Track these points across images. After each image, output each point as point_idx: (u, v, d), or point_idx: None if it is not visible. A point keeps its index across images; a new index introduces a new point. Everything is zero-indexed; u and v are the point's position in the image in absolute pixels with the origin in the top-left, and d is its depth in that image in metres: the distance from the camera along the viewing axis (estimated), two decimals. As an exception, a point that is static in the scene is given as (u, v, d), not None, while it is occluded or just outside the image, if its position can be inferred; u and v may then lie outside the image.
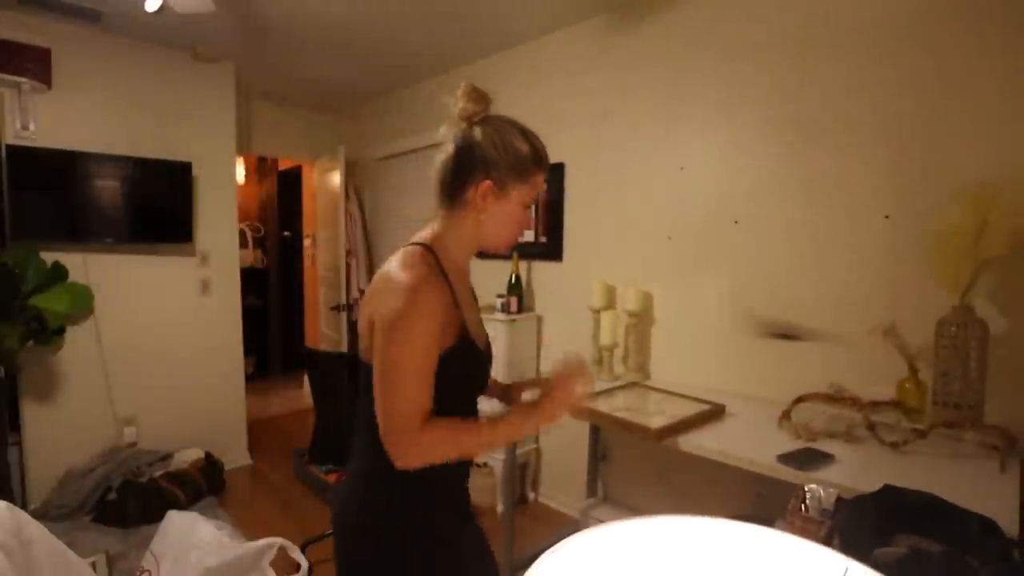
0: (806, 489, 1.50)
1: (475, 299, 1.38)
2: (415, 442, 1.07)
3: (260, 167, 6.97)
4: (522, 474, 3.49)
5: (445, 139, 1.23)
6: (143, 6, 2.66)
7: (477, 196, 1.20)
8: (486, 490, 3.42)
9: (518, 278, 3.42)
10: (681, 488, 2.81)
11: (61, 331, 3.20)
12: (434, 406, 1.11)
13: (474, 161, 1.19)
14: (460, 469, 1.28)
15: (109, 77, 3.44)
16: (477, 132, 1.20)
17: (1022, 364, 1.85)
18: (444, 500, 1.26)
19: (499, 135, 1.20)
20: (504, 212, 1.23)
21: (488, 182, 1.19)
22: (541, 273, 3.47)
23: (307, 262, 6.48)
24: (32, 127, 3.18)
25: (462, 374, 1.19)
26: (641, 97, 2.90)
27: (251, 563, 2.41)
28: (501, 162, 1.19)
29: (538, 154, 1.24)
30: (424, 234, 1.26)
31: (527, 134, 1.25)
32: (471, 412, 1.28)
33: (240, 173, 6.01)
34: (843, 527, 1.29)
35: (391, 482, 1.16)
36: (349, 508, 1.25)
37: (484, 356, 1.29)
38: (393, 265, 1.16)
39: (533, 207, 1.44)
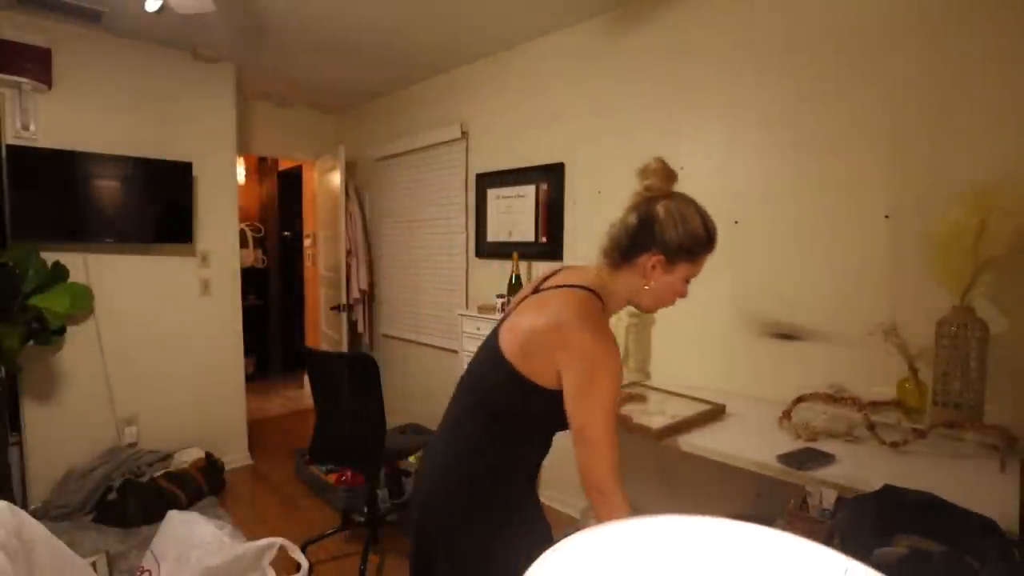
0: (806, 489, 1.50)
1: None
2: (619, 497, 1.27)
3: (260, 167, 6.97)
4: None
5: (630, 204, 1.34)
6: (143, 6, 2.67)
7: (648, 265, 1.31)
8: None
9: (518, 278, 3.42)
10: (681, 488, 2.81)
11: (62, 331, 3.20)
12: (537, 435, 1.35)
13: (652, 235, 1.29)
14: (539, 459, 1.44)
15: (110, 77, 3.44)
16: (660, 209, 1.29)
17: (1022, 364, 1.85)
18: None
19: (680, 216, 1.29)
20: (666, 284, 1.33)
21: (660, 256, 1.29)
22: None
23: (307, 262, 6.48)
24: (32, 127, 3.18)
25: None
26: (641, 97, 2.90)
27: (251, 563, 2.41)
28: (675, 242, 1.28)
29: (711, 237, 1.33)
30: (589, 279, 1.35)
31: (704, 217, 1.33)
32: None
33: (240, 173, 6.01)
34: (843, 527, 1.29)
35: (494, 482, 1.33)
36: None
37: None
38: (571, 310, 1.26)
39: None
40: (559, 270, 1.44)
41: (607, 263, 1.37)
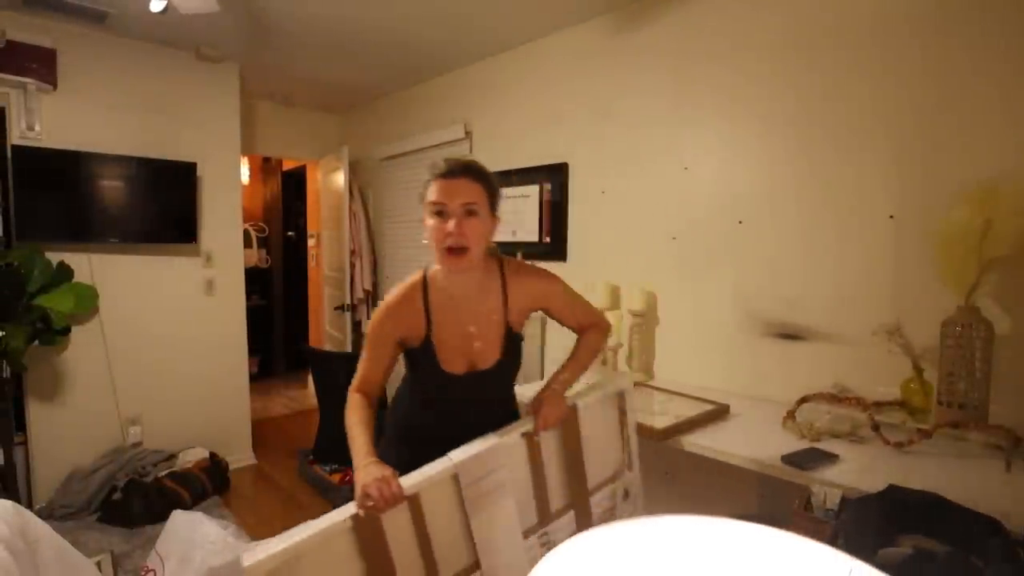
0: (810, 489, 1.50)
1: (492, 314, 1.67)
2: (349, 398, 1.57)
3: (264, 167, 6.99)
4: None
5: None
6: (148, 7, 2.67)
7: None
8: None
9: (522, 278, 3.41)
10: (685, 488, 2.81)
11: (66, 331, 3.21)
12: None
13: None
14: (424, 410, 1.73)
15: (114, 78, 3.45)
16: None
17: (1027, 364, 1.84)
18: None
19: None
20: (426, 227, 1.51)
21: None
22: (545, 273, 3.46)
23: (311, 262, 6.49)
24: (37, 127, 3.20)
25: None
26: (645, 96, 2.89)
27: (255, 562, 2.41)
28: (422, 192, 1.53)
29: (428, 171, 1.53)
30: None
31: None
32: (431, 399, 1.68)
33: (244, 173, 6.02)
34: (847, 527, 1.29)
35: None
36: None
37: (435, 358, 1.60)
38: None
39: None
40: None
41: None
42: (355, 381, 1.59)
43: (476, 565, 1.39)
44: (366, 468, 1.30)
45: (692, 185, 2.72)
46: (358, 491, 1.25)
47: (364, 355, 1.60)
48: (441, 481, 1.35)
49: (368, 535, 1.22)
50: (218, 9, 2.61)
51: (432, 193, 1.49)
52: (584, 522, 1.69)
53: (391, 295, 1.59)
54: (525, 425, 1.56)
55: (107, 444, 3.52)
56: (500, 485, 1.43)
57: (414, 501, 1.29)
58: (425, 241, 1.52)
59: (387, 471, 1.28)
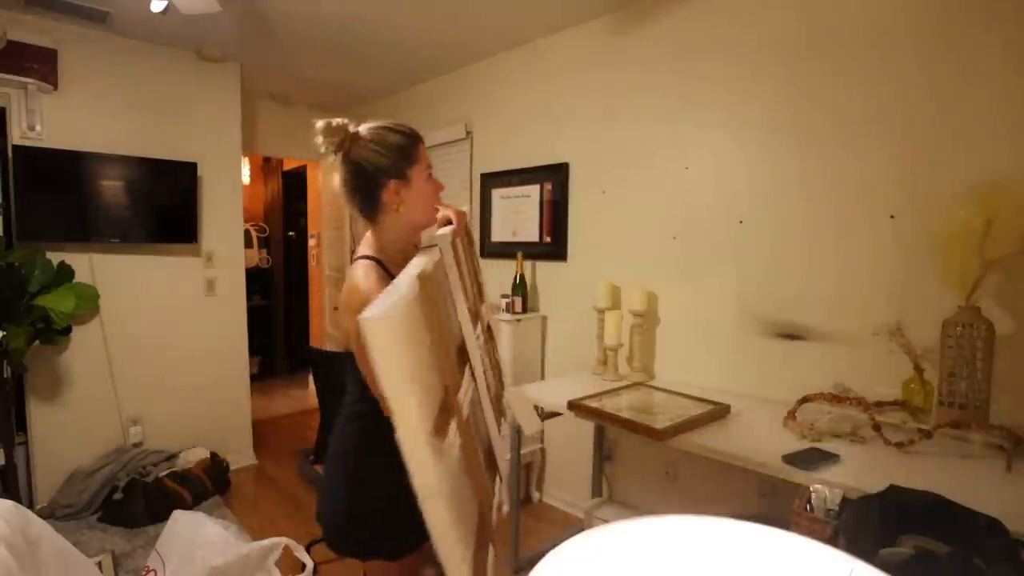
0: (811, 489, 1.49)
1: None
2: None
3: (265, 167, 6.99)
4: (526, 474, 3.49)
5: (333, 170, 1.40)
6: (149, 7, 2.67)
7: (392, 197, 1.38)
8: (490, 490, 3.42)
9: (522, 278, 3.42)
10: (686, 488, 2.81)
11: (67, 331, 3.21)
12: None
13: (370, 174, 1.36)
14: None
15: (115, 78, 3.45)
16: (355, 151, 1.36)
17: (1029, 364, 1.84)
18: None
19: (374, 142, 1.36)
20: (417, 194, 1.40)
21: (392, 181, 1.37)
22: (545, 273, 3.47)
23: (312, 262, 6.49)
24: (39, 128, 3.20)
25: None
26: (646, 96, 2.89)
27: (256, 562, 2.41)
28: (391, 161, 1.36)
29: (410, 132, 1.41)
30: (365, 247, 1.42)
31: (389, 127, 1.40)
32: None
33: (245, 173, 6.02)
34: (848, 527, 1.29)
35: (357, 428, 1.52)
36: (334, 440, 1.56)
37: None
38: (345, 287, 1.35)
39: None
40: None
41: (368, 223, 1.44)
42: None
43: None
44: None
45: (693, 185, 2.72)
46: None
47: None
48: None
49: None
50: (219, 9, 2.61)
51: (422, 156, 1.41)
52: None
53: (368, 288, 1.31)
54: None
55: (108, 444, 3.52)
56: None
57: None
58: (403, 209, 1.39)
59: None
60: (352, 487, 1.48)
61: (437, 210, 1.46)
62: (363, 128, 1.38)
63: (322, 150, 1.36)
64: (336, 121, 1.35)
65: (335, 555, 1.59)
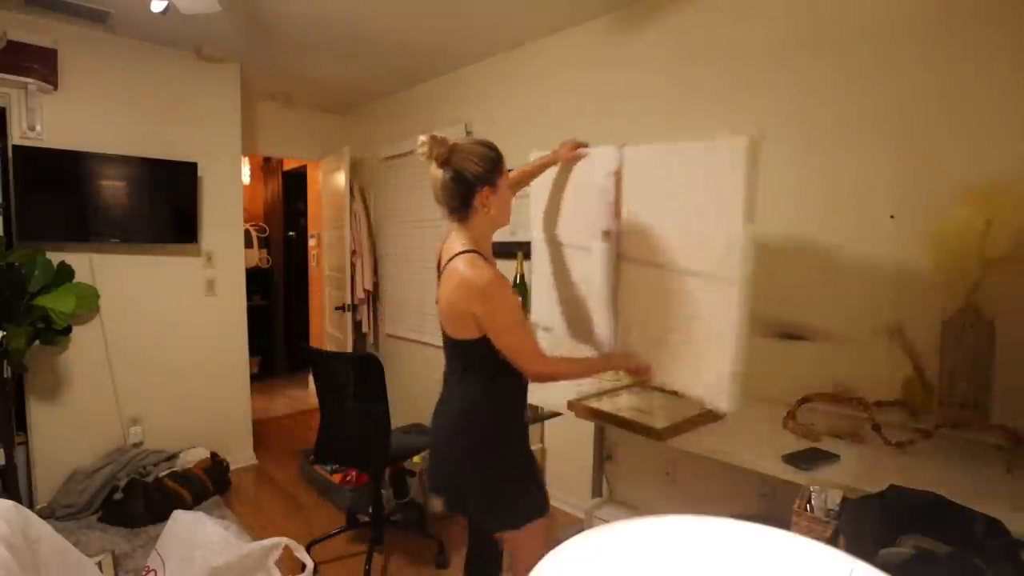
0: (811, 489, 1.49)
1: None
2: (547, 361, 1.65)
3: (265, 167, 6.99)
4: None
5: (434, 174, 1.66)
6: (149, 7, 2.67)
7: (482, 200, 1.66)
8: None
9: (522, 278, 3.41)
10: (686, 488, 2.81)
11: (67, 331, 3.21)
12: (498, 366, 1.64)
13: (468, 181, 1.63)
14: (521, 398, 1.82)
15: (115, 78, 3.45)
16: (457, 161, 1.62)
17: (1029, 364, 1.84)
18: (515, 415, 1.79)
19: (472, 155, 1.63)
20: (502, 199, 1.71)
21: (484, 188, 1.65)
22: (545, 273, 3.46)
23: (312, 262, 6.49)
24: (39, 128, 3.20)
25: None
26: (646, 96, 2.89)
27: (256, 562, 2.42)
28: (485, 172, 1.64)
29: (497, 149, 1.69)
30: (462, 241, 1.67)
31: (482, 143, 1.68)
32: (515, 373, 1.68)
33: (245, 173, 6.02)
34: (848, 527, 1.29)
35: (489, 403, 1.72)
36: (460, 423, 1.74)
37: None
38: (464, 274, 1.59)
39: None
40: (444, 244, 1.77)
41: (458, 221, 1.71)
42: (537, 348, 1.63)
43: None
44: (624, 355, 1.94)
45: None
46: (632, 366, 1.88)
47: (521, 328, 1.63)
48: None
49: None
50: (219, 9, 2.61)
51: (504, 168, 1.70)
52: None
53: (495, 273, 1.60)
54: None
55: (108, 444, 3.52)
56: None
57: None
58: (492, 212, 1.68)
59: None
60: (502, 463, 1.71)
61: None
62: (462, 142, 1.65)
63: (423, 159, 1.63)
64: (440, 135, 1.62)
65: (496, 536, 1.82)
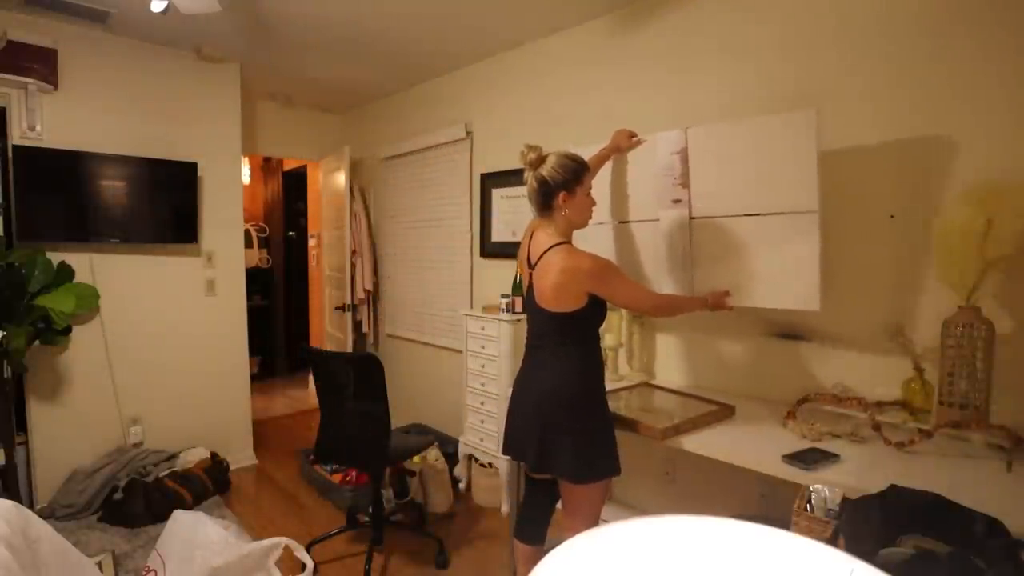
0: (811, 489, 1.49)
1: None
2: (661, 297, 2.22)
3: (265, 167, 6.99)
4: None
5: (528, 176, 1.97)
6: (149, 7, 2.67)
7: (560, 203, 1.94)
8: (491, 490, 3.42)
9: (523, 278, 3.41)
10: (686, 488, 2.81)
11: (67, 331, 3.21)
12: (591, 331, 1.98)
13: (550, 186, 1.92)
14: (602, 367, 2.06)
15: (115, 78, 3.45)
16: (544, 169, 1.92)
17: (1029, 364, 1.84)
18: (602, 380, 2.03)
19: (557, 165, 1.92)
20: (579, 204, 1.97)
21: (563, 192, 1.93)
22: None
23: (312, 262, 6.49)
24: (39, 128, 3.20)
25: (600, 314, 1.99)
26: (645, 97, 2.89)
27: (256, 562, 2.41)
28: (563, 179, 1.92)
29: (579, 161, 1.97)
30: (554, 235, 1.96)
31: (568, 155, 1.95)
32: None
33: (245, 173, 6.02)
34: (848, 527, 1.29)
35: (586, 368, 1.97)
36: (559, 383, 1.94)
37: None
38: (573, 260, 1.88)
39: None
40: (529, 242, 2.04)
41: (544, 218, 2.00)
42: (649, 290, 2.30)
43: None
44: (713, 295, 2.22)
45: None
46: (712, 299, 2.20)
47: (630, 282, 2.00)
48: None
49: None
50: (219, 9, 2.61)
51: (587, 179, 1.97)
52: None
53: (593, 255, 1.89)
54: None
55: (108, 444, 3.52)
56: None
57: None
58: (567, 213, 1.95)
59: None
60: (596, 420, 1.94)
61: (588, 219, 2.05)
62: (551, 154, 1.94)
63: (523, 165, 1.96)
64: (533, 143, 1.97)
65: (577, 487, 1.91)
